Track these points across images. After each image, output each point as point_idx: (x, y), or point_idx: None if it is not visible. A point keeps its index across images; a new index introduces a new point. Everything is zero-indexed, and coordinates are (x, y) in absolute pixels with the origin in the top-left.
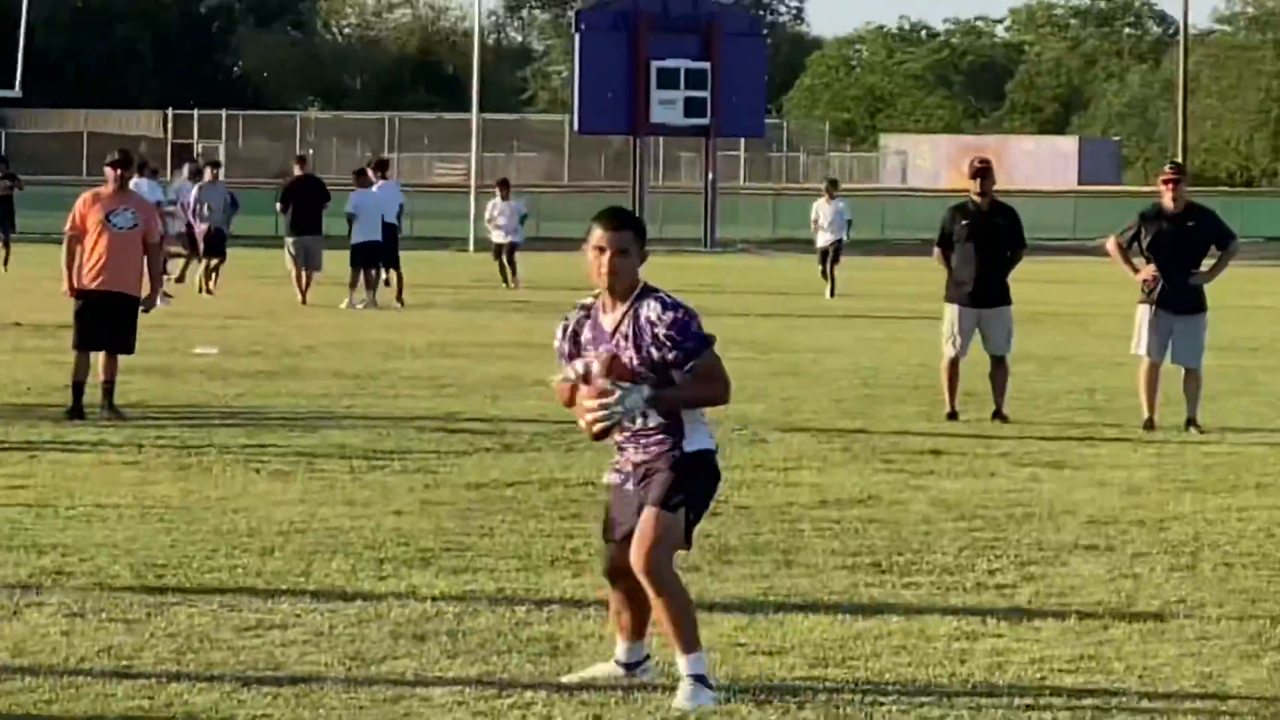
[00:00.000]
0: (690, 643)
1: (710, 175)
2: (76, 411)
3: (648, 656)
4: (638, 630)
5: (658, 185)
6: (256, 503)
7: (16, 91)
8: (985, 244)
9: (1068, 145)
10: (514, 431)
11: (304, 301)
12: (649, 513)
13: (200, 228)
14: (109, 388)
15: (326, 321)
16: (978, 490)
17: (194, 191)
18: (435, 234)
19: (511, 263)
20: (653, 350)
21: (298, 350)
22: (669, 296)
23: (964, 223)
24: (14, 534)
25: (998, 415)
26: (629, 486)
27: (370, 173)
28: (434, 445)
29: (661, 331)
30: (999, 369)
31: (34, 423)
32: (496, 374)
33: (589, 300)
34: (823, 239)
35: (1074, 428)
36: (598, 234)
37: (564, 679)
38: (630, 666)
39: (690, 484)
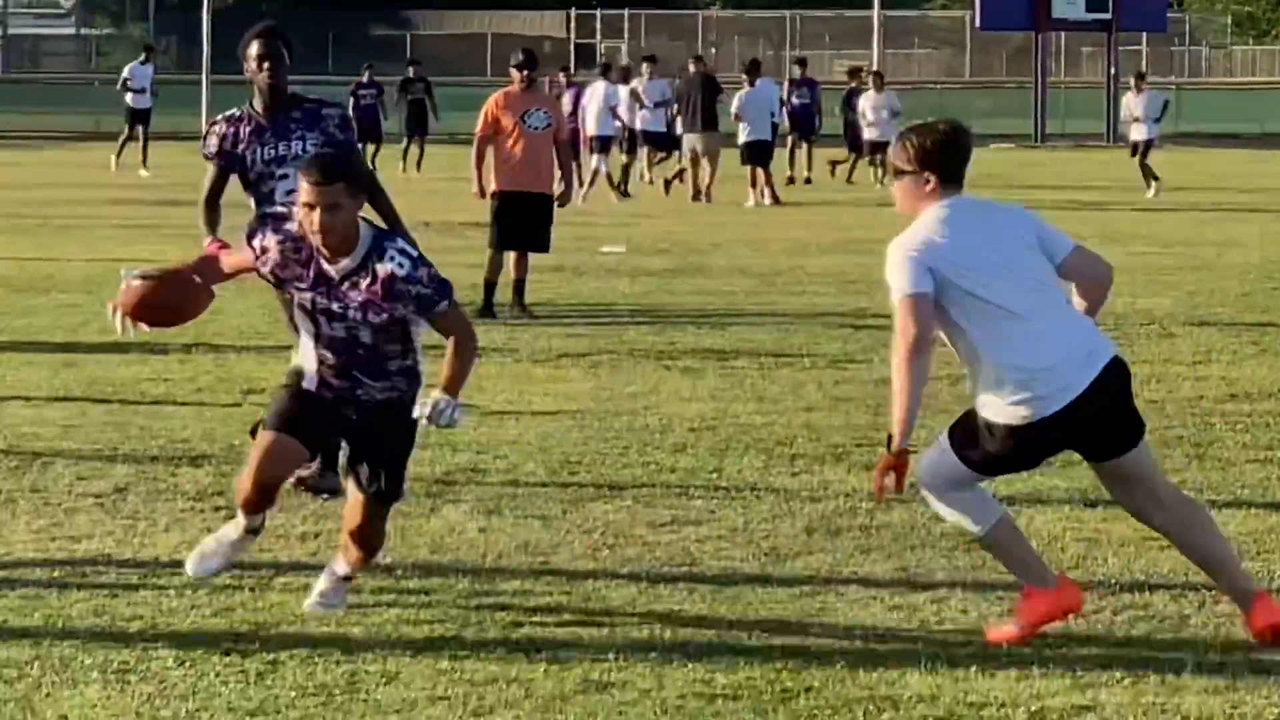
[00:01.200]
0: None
1: (1112, 70)
2: (487, 310)
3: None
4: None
5: (1059, 80)
6: (667, 400)
7: None
8: None
9: None
10: None
11: (707, 198)
12: (373, 507)
13: (640, 124)
14: (520, 286)
15: (731, 219)
16: None
17: (641, 85)
18: (839, 131)
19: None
20: (396, 305)
21: (704, 248)
22: (409, 249)
23: None
24: (429, 432)
25: None
26: (336, 406)
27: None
28: (841, 341)
29: (415, 290)
30: None
31: None
32: None
33: (290, 223)
34: (1136, 132)
35: None
36: (304, 187)
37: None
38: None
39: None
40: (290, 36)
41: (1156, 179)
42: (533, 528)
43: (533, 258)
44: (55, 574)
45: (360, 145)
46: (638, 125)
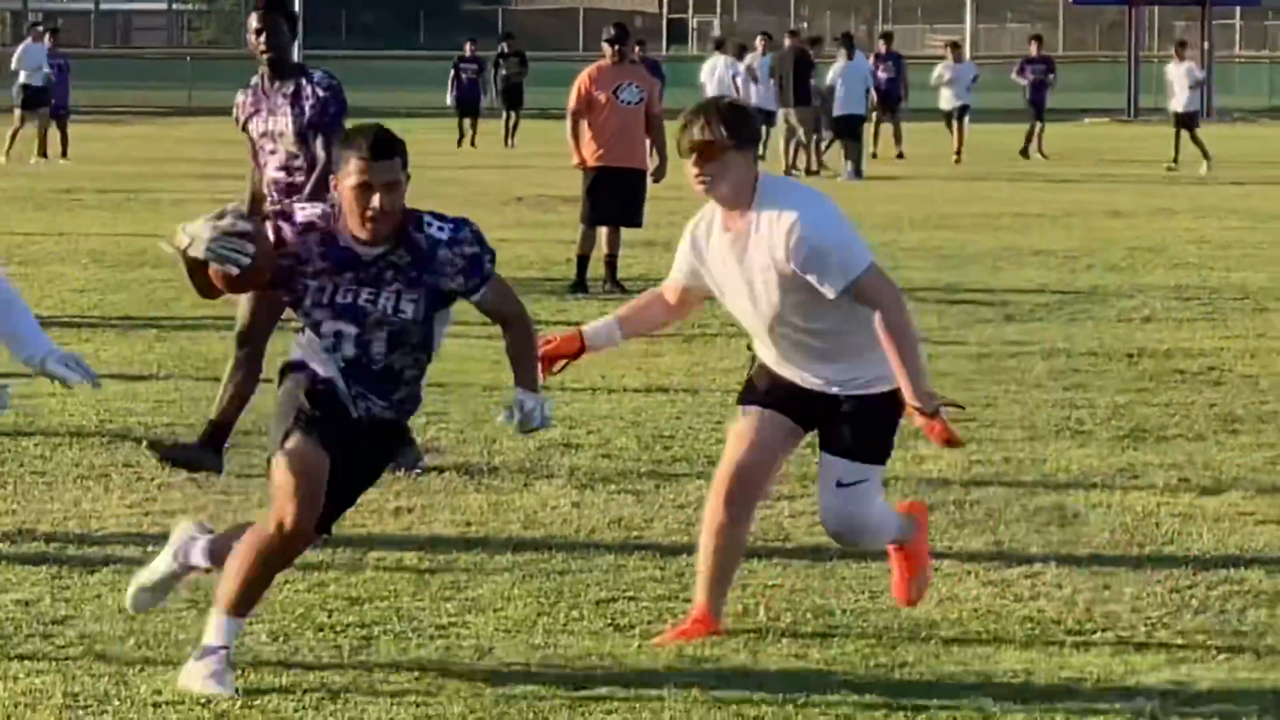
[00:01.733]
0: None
1: (1206, 45)
2: (580, 286)
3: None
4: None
5: (1152, 54)
6: None
7: None
8: None
9: None
10: (1015, 302)
11: (807, 171)
12: None
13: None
14: (612, 261)
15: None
16: None
17: (755, 60)
18: (929, 105)
19: (961, 128)
20: (437, 280)
21: None
22: (444, 215)
23: None
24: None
25: None
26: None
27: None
28: (935, 316)
29: (462, 251)
30: None
31: (537, 298)
32: (996, 245)
33: (319, 213)
34: (1176, 104)
35: None
36: (356, 165)
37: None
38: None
39: None
40: (290, 9)
41: (1176, 162)
42: (626, 503)
43: (625, 232)
44: (148, 549)
45: (458, 120)
46: (753, 102)
